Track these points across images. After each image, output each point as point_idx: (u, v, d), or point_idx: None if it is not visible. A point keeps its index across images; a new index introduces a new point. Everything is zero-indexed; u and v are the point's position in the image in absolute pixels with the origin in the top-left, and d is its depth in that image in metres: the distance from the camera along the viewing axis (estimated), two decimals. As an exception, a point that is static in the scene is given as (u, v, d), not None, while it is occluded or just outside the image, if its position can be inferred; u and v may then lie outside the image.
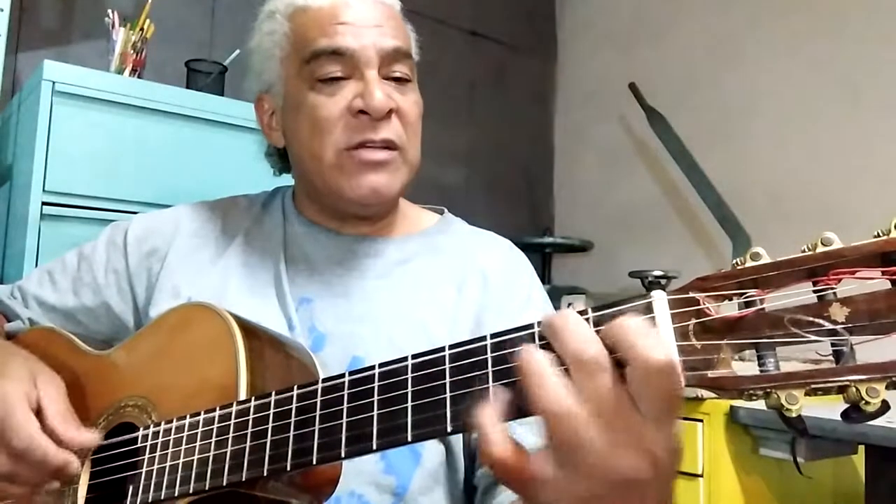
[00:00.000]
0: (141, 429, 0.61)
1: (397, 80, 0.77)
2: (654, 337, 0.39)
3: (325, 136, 0.75)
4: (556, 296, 2.16)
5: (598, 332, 0.40)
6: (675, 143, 2.15)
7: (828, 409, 1.24)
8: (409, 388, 0.46)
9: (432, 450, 0.72)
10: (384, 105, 0.73)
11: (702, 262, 2.26)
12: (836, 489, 1.73)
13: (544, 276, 2.52)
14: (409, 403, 0.46)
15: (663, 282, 2.12)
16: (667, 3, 2.50)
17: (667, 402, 0.39)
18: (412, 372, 0.47)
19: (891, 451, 1.30)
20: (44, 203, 1.26)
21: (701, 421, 1.60)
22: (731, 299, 0.40)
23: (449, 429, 0.44)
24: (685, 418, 1.61)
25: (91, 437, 0.63)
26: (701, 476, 1.60)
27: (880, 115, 1.92)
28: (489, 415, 0.42)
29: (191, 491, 0.54)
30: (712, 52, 2.33)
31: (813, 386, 0.37)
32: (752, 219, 1.98)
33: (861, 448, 1.52)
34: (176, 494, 0.55)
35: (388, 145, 0.75)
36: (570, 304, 2.15)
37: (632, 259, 2.34)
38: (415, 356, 0.47)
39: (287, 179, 0.90)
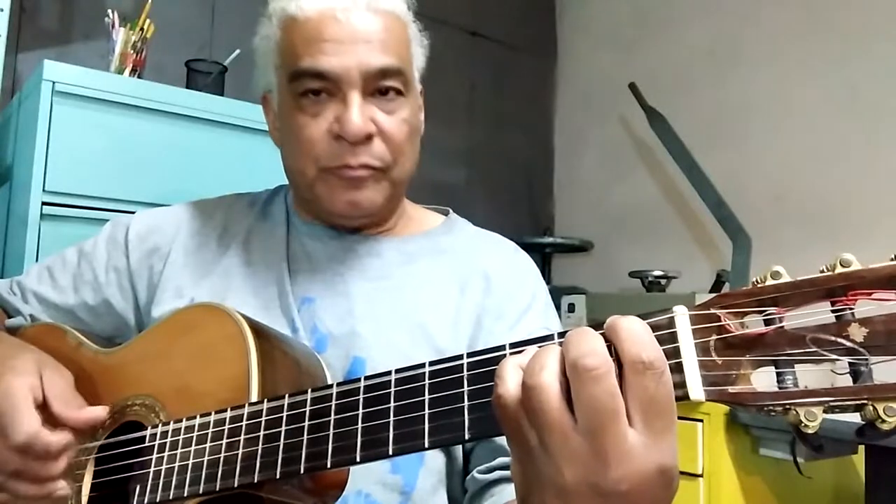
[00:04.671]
0: (148, 428, 0.61)
1: (386, 93, 0.75)
2: (638, 336, 0.39)
3: (307, 156, 0.75)
4: (556, 296, 2.16)
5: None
6: (675, 143, 2.16)
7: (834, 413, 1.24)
8: (427, 396, 0.46)
9: (435, 451, 0.72)
10: (360, 131, 0.72)
11: (702, 262, 2.27)
12: (836, 489, 1.73)
13: (544, 276, 2.52)
14: (427, 411, 0.46)
15: (663, 282, 2.12)
16: (667, 3, 2.50)
17: (652, 406, 0.38)
18: (429, 379, 0.47)
19: (891, 451, 1.30)
20: (44, 203, 1.26)
21: (701, 421, 1.61)
22: (751, 316, 0.41)
23: (467, 437, 0.44)
24: (685, 418, 1.61)
25: (97, 412, 0.64)
26: (701, 476, 1.60)
27: (880, 114, 1.92)
28: (513, 358, 0.42)
29: (200, 492, 0.54)
30: (712, 52, 2.33)
31: (831, 404, 0.38)
32: (752, 219, 1.98)
33: (861, 448, 1.52)
34: (185, 495, 0.55)
35: (368, 167, 0.75)
36: (570, 305, 2.15)
37: (632, 259, 2.35)
38: (432, 363, 0.47)
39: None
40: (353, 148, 0.73)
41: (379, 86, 0.74)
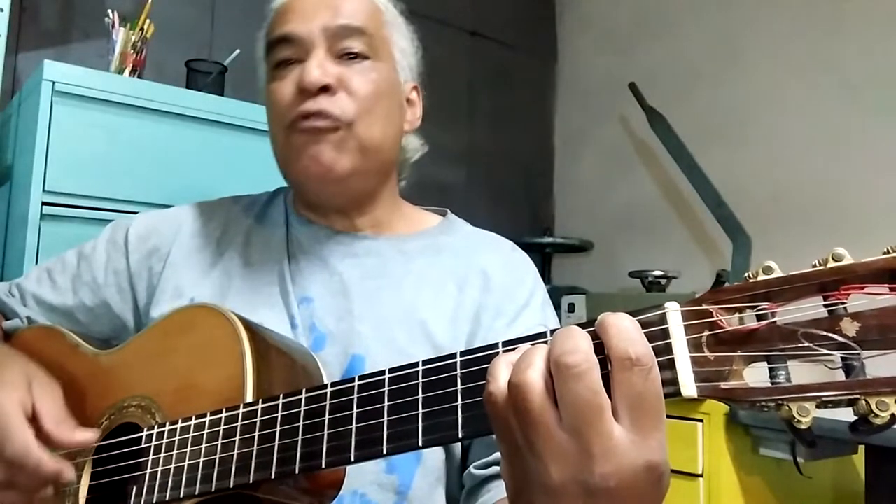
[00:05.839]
0: (145, 429, 0.61)
1: (353, 57, 0.77)
2: (626, 332, 0.39)
3: (277, 119, 0.78)
4: (556, 296, 2.16)
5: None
6: (675, 143, 2.16)
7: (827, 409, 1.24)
8: (420, 395, 0.46)
9: (434, 449, 0.72)
10: (316, 78, 0.73)
11: (702, 262, 2.27)
12: (836, 489, 1.73)
13: (544, 276, 2.53)
14: (420, 410, 0.46)
15: (663, 282, 2.12)
16: (667, 3, 2.50)
17: (640, 403, 0.38)
18: (423, 378, 0.47)
19: (891, 451, 1.31)
20: (44, 203, 1.26)
21: (701, 421, 1.61)
22: (743, 312, 0.40)
23: (460, 435, 0.44)
24: (685, 418, 1.61)
25: (87, 436, 0.63)
26: (701, 476, 1.60)
27: (879, 114, 1.92)
28: (505, 356, 0.42)
29: (196, 492, 0.54)
30: (712, 52, 2.33)
31: (824, 399, 0.37)
32: (752, 219, 1.98)
33: (861, 448, 1.52)
34: (181, 496, 0.55)
35: (327, 116, 0.74)
36: (570, 305, 2.15)
37: (632, 259, 2.35)
38: (425, 362, 0.47)
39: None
40: (313, 97, 0.74)
41: (343, 46, 0.77)
